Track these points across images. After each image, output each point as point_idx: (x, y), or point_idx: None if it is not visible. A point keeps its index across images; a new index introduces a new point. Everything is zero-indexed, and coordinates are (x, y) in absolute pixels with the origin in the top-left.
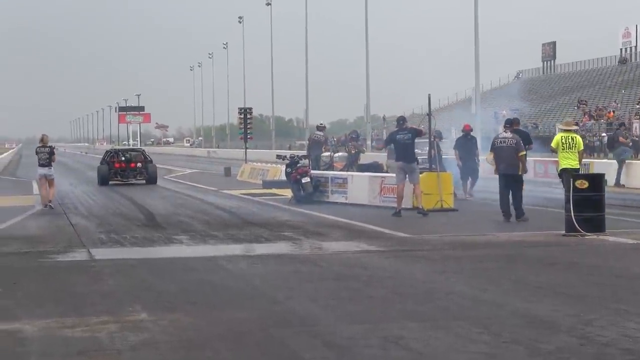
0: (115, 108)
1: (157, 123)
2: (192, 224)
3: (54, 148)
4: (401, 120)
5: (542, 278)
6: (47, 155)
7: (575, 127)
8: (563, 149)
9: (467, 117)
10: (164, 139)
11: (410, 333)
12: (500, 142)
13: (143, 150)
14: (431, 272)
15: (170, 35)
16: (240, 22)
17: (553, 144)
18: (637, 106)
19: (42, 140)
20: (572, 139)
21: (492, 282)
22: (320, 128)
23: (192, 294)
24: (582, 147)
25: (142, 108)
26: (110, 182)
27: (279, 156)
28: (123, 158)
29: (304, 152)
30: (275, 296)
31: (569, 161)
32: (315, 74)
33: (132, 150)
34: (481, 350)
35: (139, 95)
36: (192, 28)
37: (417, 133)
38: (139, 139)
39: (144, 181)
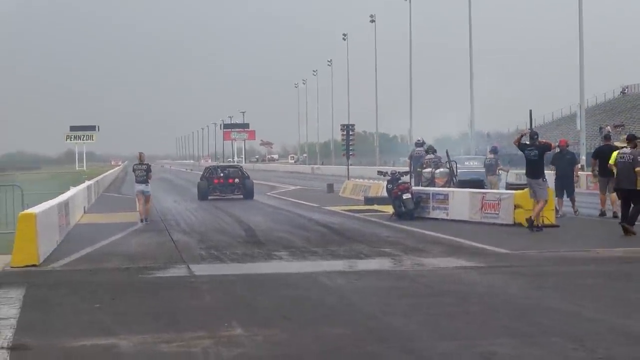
0: (221, 125)
1: (261, 140)
2: (293, 240)
3: (150, 165)
4: (535, 135)
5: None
6: (144, 172)
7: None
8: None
9: (572, 133)
10: (269, 156)
11: (504, 349)
12: (620, 157)
13: (241, 167)
14: (528, 288)
15: (274, 52)
16: (344, 39)
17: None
18: None
19: (139, 157)
20: None
21: (590, 299)
22: (419, 144)
23: (289, 309)
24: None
25: (246, 125)
26: (210, 197)
27: (380, 172)
28: (222, 174)
29: (406, 169)
30: (372, 312)
31: None
32: (420, 89)
33: (230, 166)
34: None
35: (244, 113)
36: (296, 45)
37: (547, 148)
38: (243, 156)
39: (242, 196)
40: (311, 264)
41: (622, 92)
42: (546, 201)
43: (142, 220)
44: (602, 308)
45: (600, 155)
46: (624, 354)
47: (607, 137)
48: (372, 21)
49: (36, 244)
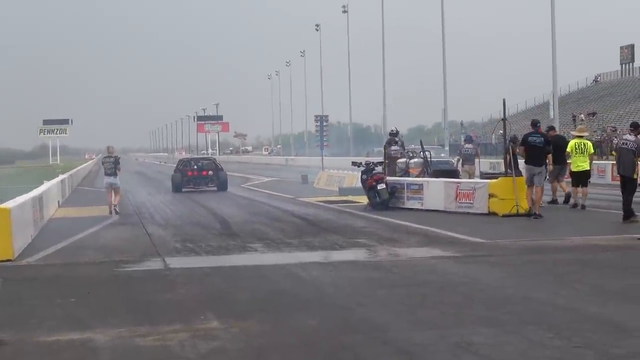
0: (194, 117)
1: (235, 132)
2: (267, 232)
3: (119, 158)
4: (537, 122)
5: (616, 283)
6: (112, 165)
7: (586, 134)
8: (576, 154)
9: (546, 121)
10: (243, 148)
11: (480, 338)
12: (623, 143)
13: (214, 159)
14: (504, 277)
15: (247, 44)
16: (317, 30)
17: (568, 149)
18: None
19: (107, 150)
20: (584, 144)
21: (566, 287)
22: (393, 134)
23: (264, 302)
24: (592, 151)
25: (220, 117)
26: (184, 190)
27: (354, 163)
28: (195, 166)
29: (380, 159)
30: (347, 303)
31: (582, 164)
32: (393, 80)
33: (204, 159)
34: (552, 355)
35: (217, 105)
36: (269, 36)
37: (548, 140)
38: (217, 148)
39: (215, 188)
40: (286, 255)
41: (595, 81)
42: (542, 189)
43: (111, 212)
44: (579, 296)
45: (556, 144)
46: (600, 342)
47: (551, 128)
48: (345, 11)
49: (10, 239)
